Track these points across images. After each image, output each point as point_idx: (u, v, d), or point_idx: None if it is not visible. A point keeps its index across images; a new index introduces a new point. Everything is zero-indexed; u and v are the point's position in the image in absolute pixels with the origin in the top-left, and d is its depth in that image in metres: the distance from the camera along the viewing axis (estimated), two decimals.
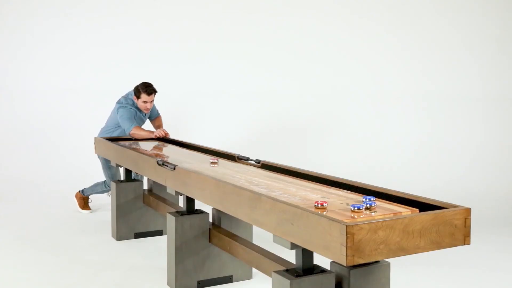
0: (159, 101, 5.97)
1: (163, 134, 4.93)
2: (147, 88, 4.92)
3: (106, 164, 5.11)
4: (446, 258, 4.08)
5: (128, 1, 7.20)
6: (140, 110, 5.08)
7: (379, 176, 6.39)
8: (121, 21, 7.18)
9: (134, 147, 4.54)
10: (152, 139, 5.07)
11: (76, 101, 7.11)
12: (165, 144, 4.87)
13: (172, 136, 5.29)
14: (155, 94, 5.01)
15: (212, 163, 3.62)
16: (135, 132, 4.91)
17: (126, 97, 5.10)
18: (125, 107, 4.99)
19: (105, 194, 5.65)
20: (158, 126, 5.33)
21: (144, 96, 4.94)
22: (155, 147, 4.61)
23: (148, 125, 5.50)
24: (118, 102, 5.08)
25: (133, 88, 5.06)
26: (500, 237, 4.78)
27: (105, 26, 7.17)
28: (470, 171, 6.72)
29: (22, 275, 3.70)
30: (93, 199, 5.78)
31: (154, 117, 5.38)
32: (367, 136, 7.11)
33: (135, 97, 5.00)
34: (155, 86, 5.11)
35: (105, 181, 5.26)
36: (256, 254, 2.96)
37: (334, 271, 2.50)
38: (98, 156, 5.15)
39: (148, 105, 5.00)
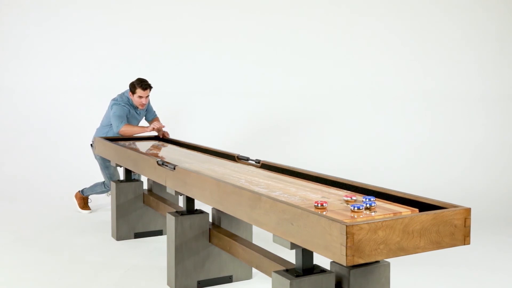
0: (159, 101, 5.97)
1: (161, 126, 4.91)
2: (142, 83, 4.95)
3: (104, 163, 5.12)
4: (446, 258, 4.08)
5: (127, 2, 7.20)
6: (135, 108, 5.08)
7: (379, 176, 6.39)
8: (120, 21, 7.18)
9: (134, 147, 4.54)
10: (150, 138, 5.06)
11: (76, 101, 7.11)
12: (165, 144, 4.88)
13: (171, 136, 5.29)
14: (150, 90, 5.03)
15: (347, 201, 2.52)
16: (126, 129, 4.91)
17: (121, 94, 5.12)
18: (119, 104, 5.00)
19: (104, 194, 5.64)
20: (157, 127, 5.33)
21: (139, 91, 4.96)
22: (154, 147, 4.61)
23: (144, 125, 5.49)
24: (113, 99, 5.10)
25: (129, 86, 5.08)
26: (500, 237, 4.78)
27: (104, 27, 7.17)
28: (470, 171, 6.72)
29: (22, 275, 3.70)
30: (93, 199, 5.78)
31: (152, 118, 5.38)
32: (367, 136, 7.10)
33: (130, 93, 5.02)
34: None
35: (104, 181, 5.26)
36: (256, 254, 2.96)
37: (334, 271, 2.50)
38: (95, 156, 5.15)
39: (144, 100, 5.01)
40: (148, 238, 4.62)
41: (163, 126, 5.03)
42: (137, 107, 5.07)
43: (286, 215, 2.27)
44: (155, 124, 4.93)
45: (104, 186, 5.27)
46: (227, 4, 7.26)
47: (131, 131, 4.93)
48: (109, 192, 5.39)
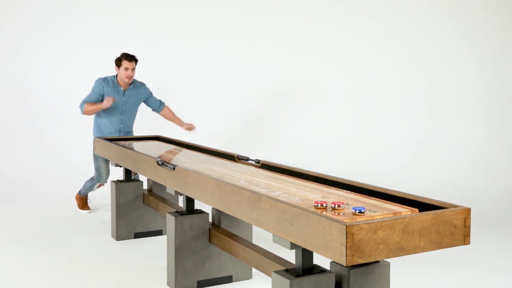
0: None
1: (110, 103, 4.95)
2: (127, 55, 5.05)
3: (94, 155, 5.15)
4: (446, 258, 4.08)
5: (127, 3, 7.19)
6: (117, 87, 5.10)
7: (379, 176, 6.39)
8: (120, 22, 7.18)
9: (134, 147, 4.54)
10: (150, 138, 5.05)
11: (76, 101, 7.08)
12: (165, 144, 4.88)
13: (170, 136, 5.29)
14: (136, 62, 5.11)
15: (334, 209, 2.34)
16: (87, 109, 5.05)
17: (109, 75, 5.20)
18: (97, 80, 5.12)
19: (98, 191, 5.62)
20: (170, 117, 5.38)
21: (125, 63, 5.03)
22: (154, 147, 4.61)
23: (150, 115, 5.47)
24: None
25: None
26: (500, 237, 4.78)
27: (104, 27, 7.16)
28: (470, 171, 6.72)
29: (22, 275, 3.70)
30: (92, 199, 5.78)
31: (161, 109, 5.39)
32: (367, 136, 7.10)
33: (116, 68, 5.10)
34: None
35: (92, 176, 5.29)
36: (256, 254, 2.96)
37: (334, 271, 2.50)
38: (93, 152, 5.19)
39: (130, 72, 5.06)
40: (148, 238, 4.62)
41: (111, 102, 4.99)
42: (121, 86, 5.08)
43: (286, 215, 2.27)
44: (106, 103, 4.94)
45: (91, 180, 5.29)
46: (226, 4, 7.25)
47: (90, 110, 5.06)
48: (98, 185, 5.36)
